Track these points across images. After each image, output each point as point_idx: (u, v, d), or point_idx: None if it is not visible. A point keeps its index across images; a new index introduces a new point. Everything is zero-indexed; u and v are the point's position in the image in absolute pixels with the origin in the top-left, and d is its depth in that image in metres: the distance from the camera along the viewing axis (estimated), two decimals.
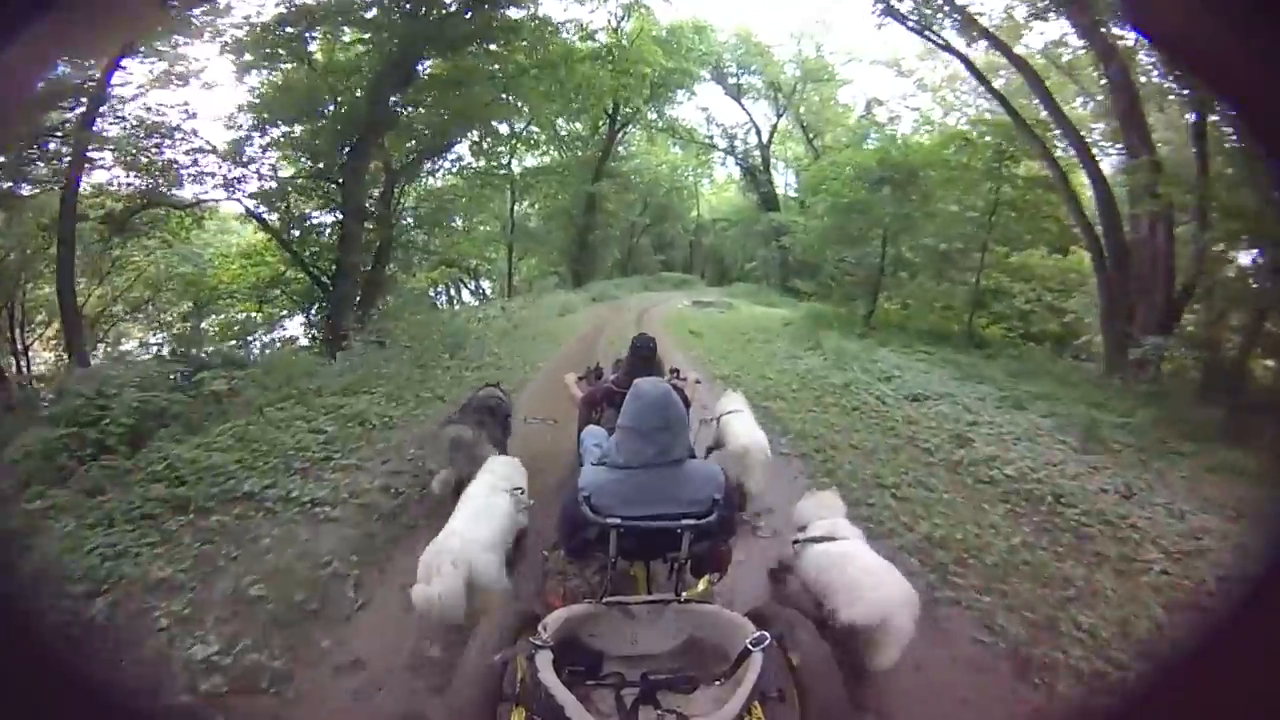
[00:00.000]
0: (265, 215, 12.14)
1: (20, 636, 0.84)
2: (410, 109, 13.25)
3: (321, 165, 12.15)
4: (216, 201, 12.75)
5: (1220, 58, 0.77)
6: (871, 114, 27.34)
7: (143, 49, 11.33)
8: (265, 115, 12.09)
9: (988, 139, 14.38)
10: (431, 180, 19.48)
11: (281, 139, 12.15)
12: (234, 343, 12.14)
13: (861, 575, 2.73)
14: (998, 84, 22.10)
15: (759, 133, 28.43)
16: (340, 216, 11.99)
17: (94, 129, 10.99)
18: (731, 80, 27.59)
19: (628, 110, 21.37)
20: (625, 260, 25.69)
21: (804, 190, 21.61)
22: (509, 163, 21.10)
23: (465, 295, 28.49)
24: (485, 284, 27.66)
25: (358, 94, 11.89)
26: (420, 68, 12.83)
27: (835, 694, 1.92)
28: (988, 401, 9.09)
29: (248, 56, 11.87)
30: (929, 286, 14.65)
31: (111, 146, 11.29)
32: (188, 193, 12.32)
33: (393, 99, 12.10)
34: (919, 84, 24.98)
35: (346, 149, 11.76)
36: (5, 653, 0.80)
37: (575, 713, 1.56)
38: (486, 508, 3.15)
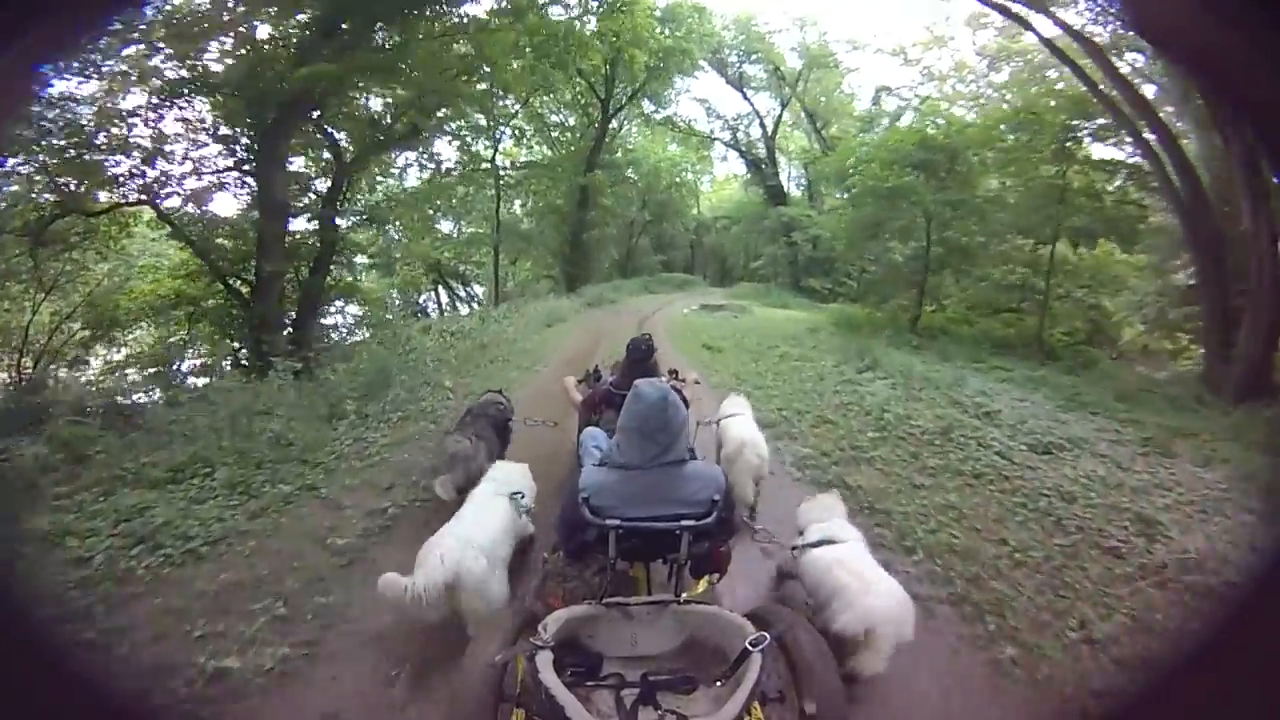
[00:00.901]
0: (175, 216, 9.35)
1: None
2: (355, 85, 10.41)
3: (239, 153, 9.30)
4: (131, 205, 9.98)
5: (1220, 58, 0.72)
6: (880, 103, 25.05)
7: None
8: (179, 100, 9.29)
9: (1048, 118, 11.67)
10: (397, 176, 16.87)
11: (195, 122, 9.32)
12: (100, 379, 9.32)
13: (852, 581, 2.51)
14: (1006, 72, 19.86)
15: (763, 124, 25.76)
16: (257, 215, 9.09)
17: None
18: (733, 69, 24.96)
19: (620, 92, 18.40)
20: (624, 261, 22.90)
21: (829, 178, 18.73)
22: (493, 157, 18.38)
23: (457, 303, 26.11)
24: (479, 289, 25.09)
25: (276, 67, 9.01)
26: (361, 34, 9.99)
27: (834, 694, 1.83)
28: (1127, 446, 6.43)
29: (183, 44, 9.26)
30: (982, 285, 11.95)
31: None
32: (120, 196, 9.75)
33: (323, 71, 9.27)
34: (925, 72, 22.86)
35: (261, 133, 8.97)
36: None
37: (575, 713, 1.49)
38: (486, 512, 2.95)
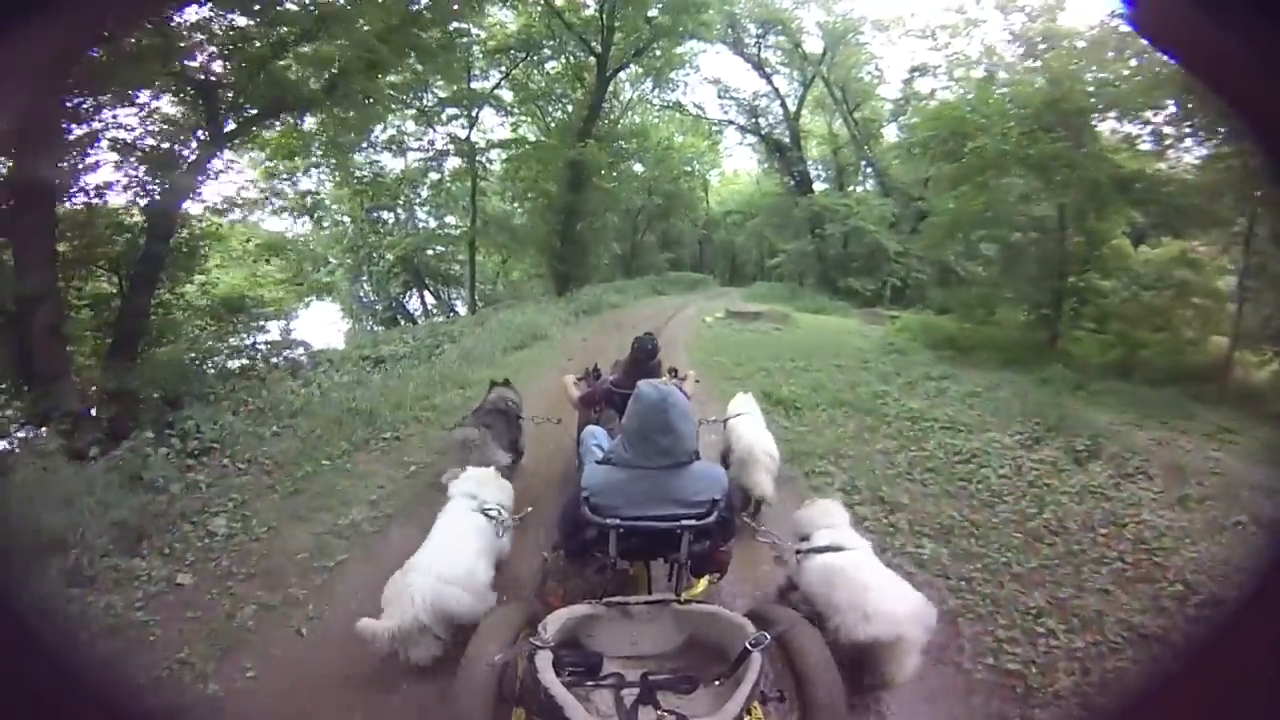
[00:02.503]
0: None
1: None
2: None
3: None
4: None
5: (1220, 58, 0.68)
6: (912, 84, 21.25)
7: None
8: None
9: None
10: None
11: None
12: None
13: (868, 590, 2.33)
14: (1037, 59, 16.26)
15: (784, 104, 21.83)
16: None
17: None
18: (749, 46, 21.07)
19: (622, 51, 14.34)
20: (628, 258, 19.07)
21: (899, 152, 14.76)
22: (468, 134, 14.53)
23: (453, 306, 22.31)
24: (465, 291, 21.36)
25: None
26: None
27: (835, 694, 1.74)
28: None
29: None
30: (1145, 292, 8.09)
31: None
32: None
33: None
34: (953, 57, 19.33)
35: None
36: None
37: (575, 713, 1.43)
38: (458, 533, 2.61)
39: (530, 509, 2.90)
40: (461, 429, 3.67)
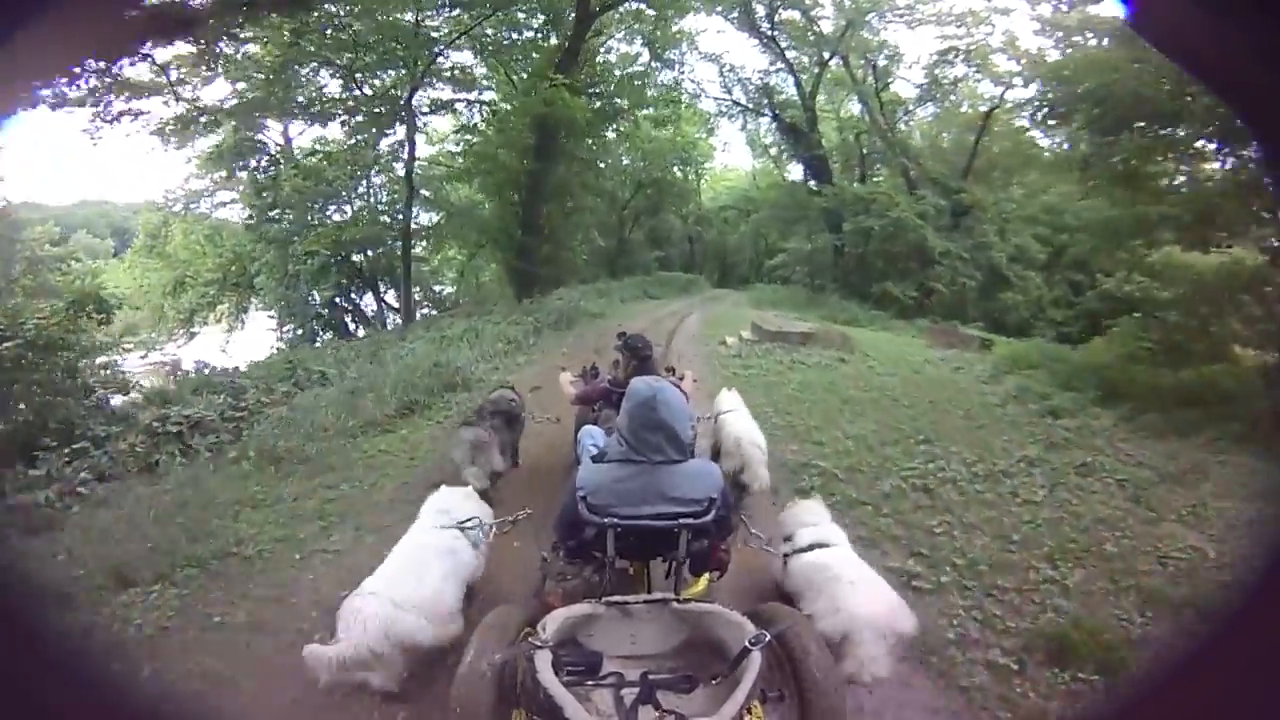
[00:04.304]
0: None
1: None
2: None
3: None
4: None
5: (1220, 57, 0.68)
6: (939, 69, 18.49)
7: None
8: None
9: None
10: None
11: None
12: None
13: (841, 585, 2.35)
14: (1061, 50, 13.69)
15: (799, 83, 18.86)
16: None
17: None
18: (761, 20, 18.09)
19: None
20: (614, 256, 15.92)
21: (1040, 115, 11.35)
22: (409, 96, 11.28)
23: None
24: (445, 289, 18.22)
25: None
26: None
27: (835, 694, 1.74)
28: None
29: None
30: None
31: None
32: None
33: None
34: (973, 46, 16.81)
35: None
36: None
37: (574, 713, 1.41)
38: (420, 556, 2.46)
39: (529, 511, 2.80)
40: (470, 428, 3.57)
